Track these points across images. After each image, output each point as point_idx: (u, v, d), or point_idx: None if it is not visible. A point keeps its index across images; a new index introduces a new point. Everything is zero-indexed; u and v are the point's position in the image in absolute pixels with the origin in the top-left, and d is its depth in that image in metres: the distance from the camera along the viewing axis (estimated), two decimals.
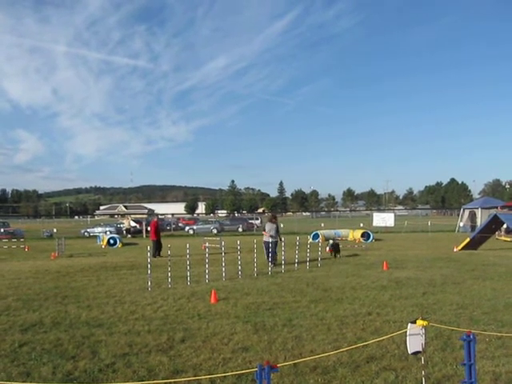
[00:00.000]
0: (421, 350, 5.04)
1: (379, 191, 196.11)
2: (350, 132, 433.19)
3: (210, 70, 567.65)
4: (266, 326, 8.77)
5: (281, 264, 17.10)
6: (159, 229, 25.21)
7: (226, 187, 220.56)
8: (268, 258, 18.44)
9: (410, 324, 5.06)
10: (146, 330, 8.66)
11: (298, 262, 17.57)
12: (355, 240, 33.43)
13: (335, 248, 21.01)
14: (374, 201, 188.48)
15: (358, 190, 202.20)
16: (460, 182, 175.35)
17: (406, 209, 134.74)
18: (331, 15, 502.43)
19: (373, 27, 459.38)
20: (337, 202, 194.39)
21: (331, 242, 20.57)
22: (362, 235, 34.10)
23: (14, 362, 6.85)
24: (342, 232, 37.12)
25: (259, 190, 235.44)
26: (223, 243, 18.29)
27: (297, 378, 6.01)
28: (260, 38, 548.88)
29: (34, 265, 20.52)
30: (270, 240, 18.68)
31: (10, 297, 12.34)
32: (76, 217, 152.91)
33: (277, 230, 19.22)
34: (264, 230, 19.73)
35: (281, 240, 18.51)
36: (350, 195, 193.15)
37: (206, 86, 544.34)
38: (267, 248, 18.70)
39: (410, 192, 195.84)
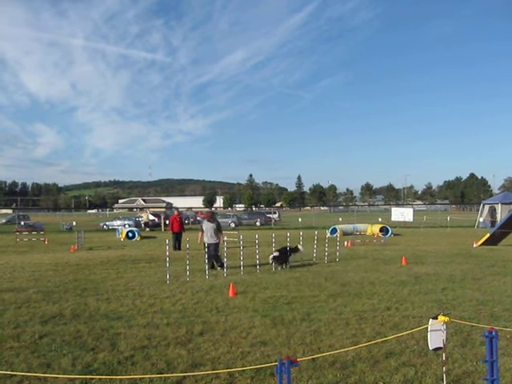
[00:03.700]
0: (442, 346, 5.00)
1: (398, 186, 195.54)
2: (368, 126, 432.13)
3: (228, 64, 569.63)
4: (284, 320, 8.75)
5: (226, 267, 14.96)
6: (183, 222, 25.43)
7: (243, 181, 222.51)
8: (208, 263, 15.70)
9: (431, 320, 5.01)
10: (165, 322, 8.69)
11: (316, 257, 17.52)
12: (373, 235, 33.27)
13: (279, 258, 16.19)
14: (393, 195, 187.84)
15: (376, 185, 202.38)
16: (479, 177, 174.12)
17: (424, 204, 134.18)
18: (349, 8, 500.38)
19: (391, 20, 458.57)
20: (355, 197, 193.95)
21: (276, 253, 16.19)
22: (381, 230, 33.94)
23: (34, 353, 6.91)
24: (361, 226, 37.06)
25: (277, 185, 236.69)
26: (241, 237, 18.24)
27: (315, 373, 5.99)
28: (278, 32, 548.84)
29: (54, 257, 20.69)
30: (208, 242, 16.10)
31: (31, 289, 12.44)
32: (95, 210, 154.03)
33: (216, 230, 16.52)
34: (201, 231, 16.91)
35: (223, 241, 16.15)
36: (368, 190, 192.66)
37: (224, 79, 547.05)
38: (207, 251, 16.00)
39: (429, 187, 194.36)
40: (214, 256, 16.12)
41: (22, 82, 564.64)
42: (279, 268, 15.89)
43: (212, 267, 15.71)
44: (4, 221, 73.97)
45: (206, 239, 16.36)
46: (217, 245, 16.33)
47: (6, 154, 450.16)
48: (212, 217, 17.26)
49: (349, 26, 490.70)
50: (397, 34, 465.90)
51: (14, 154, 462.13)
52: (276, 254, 16.20)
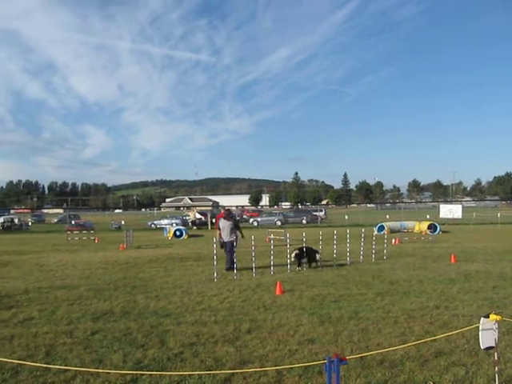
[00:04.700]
0: (494, 345, 4.91)
1: (446, 182, 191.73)
2: (415, 123, 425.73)
3: (272, 62, 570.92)
4: (331, 318, 8.73)
5: (237, 268, 14.84)
6: None
7: (289, 179, 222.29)
8: (229, 259, 15.57)
9: (482, 318, 4.93)
10: (213, 320, 8.77)
11: (363, 255, 17.38)
12: (421, 232, 32.81)
13: (300, 256, 15.61)
14: (441, 192, 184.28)
15: (423, 182, 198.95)
16: None
17: (473, 200, 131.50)
18: (392, 3, 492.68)
19: (437, 15, 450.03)
20: (402, 194, 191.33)
21: (296, 252, 15.57)
22: (429, 227, 33.45)
23: (86, 349, 7.08)
24: (408, 224, 36.53)
25: (323, 182, 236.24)
26: (288, 235, 18.23)
27: (364, 371, 5.96)
28: (321, 28, 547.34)
29: (104, 256, 21.12)
30: (225, 240, 15.85)
31: (82, 286, 12.74)
32: (143, 209, 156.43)
33: (233, 228, 16.08)
34: (218, 228, 16.50)
35: (243, 236, 16.40)
36: (415, 186, 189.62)
37: (269, 78, 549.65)
38: (224, 250, 15.91)
39: (478, 183, 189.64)
40: (230, 255, 15.61)
41: (71, 85, 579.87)
42: (297, 268, 15.37)
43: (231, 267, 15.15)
44: (56, 220, 76.06)
45: (223, 238, 15.96)
46: (232, 243, 15.76)
47: (57, 155, 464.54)
48: (228, 215, 16.71)
49: (393, 21, 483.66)
50: (443, 29, 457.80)
51: (64, 155, 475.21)
52: (297, 251, 15.62)
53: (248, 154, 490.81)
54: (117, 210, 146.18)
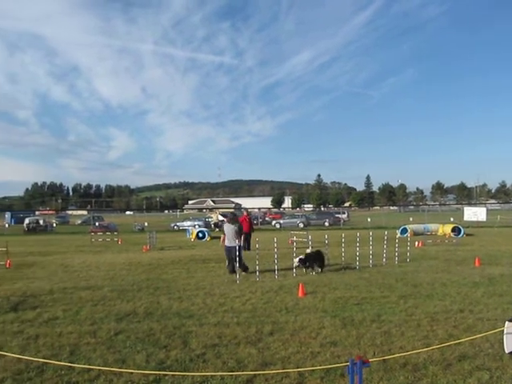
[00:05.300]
0: None
1: (470, 184, 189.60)
2: (438, 125, 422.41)
3: (295, 64, 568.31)
4: (354, 321, 8.70)
5: (254, 271, 14.72)
6: (252, 222, 25.55)
7: (312, 181, 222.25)
8: (229, 267, 15.34)
9: (507, 322, 4.89)
10: (235, 322, 8.80)
11: (386, 257, 17.27)
12: (445, 235, 32.48)
13: (305, 261, 15.13)
14: (465, 194, 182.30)
15: (447, 184, 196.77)
16: None
17: (498, 203, 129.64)
18: (415, 4, 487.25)
19: (460, 16, 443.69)
20: (425, 196, 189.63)
21: (300, 257, 15.07)
22: (453, 230, 33.10)
23: (109, 350, 7.16)
24: (432, 226, 36.19)
25: (346, 184, 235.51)
26: (310, 237, 18.21)
27: (386, 374, 5.94)
28: (344, 30, 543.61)
29: (127, 257, 21.29)
30: (229, 245, 15.31)
31: (106, 287, 12.87)
32: (166, 211, 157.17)
33: (237, 233, 15.50)
34: (223, 233, 16.15)
35: (240, 245, 15.45)
36: (439, 189, 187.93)
37: (291, 80, 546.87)
38: (228, 255, 15.35)
39: (503, 185, 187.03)
40: (238, 259, 14.90)
41: (95, 87, 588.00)
42: (312, 272, 15.10)
43: (233, 271, 14.83)
44: (80, 222, 76.92)
45: (227, 242, 15.50)
46: (239, 248, 15.28)
47: (82, 157, 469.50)
48: (232, 219, 16.28)
49: (416, 22, 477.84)
50: (464, 31, 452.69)
51: (88, 158, 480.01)
52: (302, 256, 15.14)
53: (270, 156, 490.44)
54: (128, 212, 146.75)
